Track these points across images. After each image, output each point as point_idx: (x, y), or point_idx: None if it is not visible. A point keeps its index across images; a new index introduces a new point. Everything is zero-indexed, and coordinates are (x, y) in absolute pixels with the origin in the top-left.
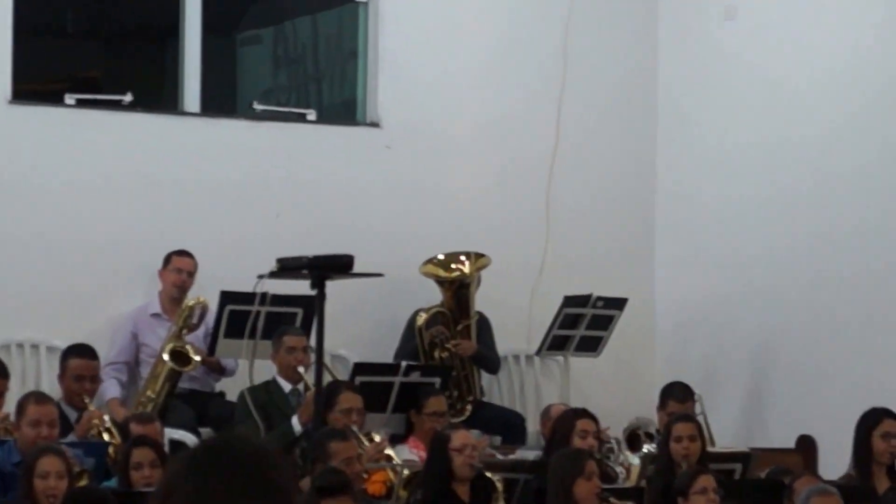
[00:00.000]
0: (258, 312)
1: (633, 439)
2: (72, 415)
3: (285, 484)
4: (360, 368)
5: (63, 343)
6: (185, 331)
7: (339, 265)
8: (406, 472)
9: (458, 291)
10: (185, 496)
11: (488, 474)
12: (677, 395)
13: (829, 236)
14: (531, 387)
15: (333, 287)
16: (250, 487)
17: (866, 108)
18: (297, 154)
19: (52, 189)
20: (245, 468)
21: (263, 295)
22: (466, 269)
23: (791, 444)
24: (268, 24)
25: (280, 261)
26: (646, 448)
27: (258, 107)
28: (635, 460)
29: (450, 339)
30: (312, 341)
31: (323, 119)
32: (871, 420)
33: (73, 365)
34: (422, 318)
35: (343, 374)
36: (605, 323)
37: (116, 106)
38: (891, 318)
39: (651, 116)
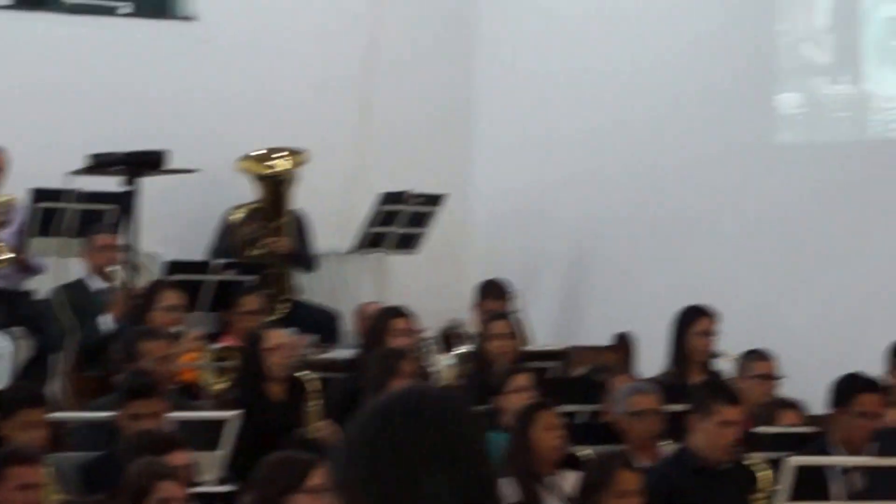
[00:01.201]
0: (69, 210)
1: (447, 340)
2: None
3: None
4: (174, 267)
5: None
6: None
7: (153, 161)
8: (222, 365)
9: (275, 188)
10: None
11: (303, 373)
12: (494, 293)
13: (651, 126)
14: (348, 285)
15: (148, 184)
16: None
17: None
18: (110, 48)
19: None
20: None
21: (75, 192)
22: (284, 165)
23: (609, 341)
24: None
25: (92, 157)
26: (460, 349)
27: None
28: (448, 361)
29: (266, 237)
30: (127, 239)
31: (138, 12)
32: (688, 317)
33: None
34: (237, 215)
35: (157, 273)
36: (422, 220)
37: None
38: (709, 215)
39: (470, 5)
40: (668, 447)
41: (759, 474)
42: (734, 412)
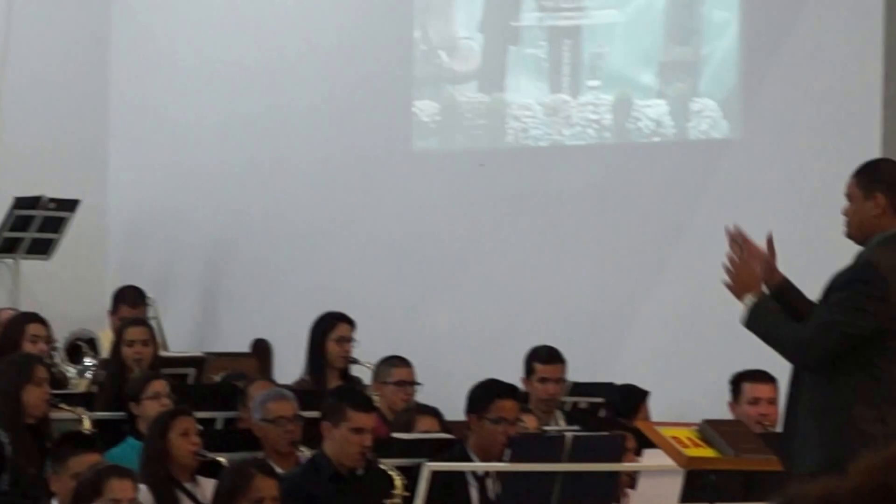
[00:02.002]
0: None
1: (74, 349)
2: None
3: None
4: None
5: None
6: None
7: None
8: None
9: None
10: None
11: None
12: (129, 300)
13: (287, 129)
14: None
15: None
16: None
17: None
18: None
19: None
20: None
21: None
22: None
23: (246, 348)
24: None
25: None
26: (87, 360)
27: None
28: (73, 371)
29: None
30: None
31: None
32: (326, 324)
33: None
34: None
35: None
36: (56, 225)
37: None
38: (346, 221)
39: (104, 18)
40: (305, 454)
41: (395, 480)
42: (366, 418)
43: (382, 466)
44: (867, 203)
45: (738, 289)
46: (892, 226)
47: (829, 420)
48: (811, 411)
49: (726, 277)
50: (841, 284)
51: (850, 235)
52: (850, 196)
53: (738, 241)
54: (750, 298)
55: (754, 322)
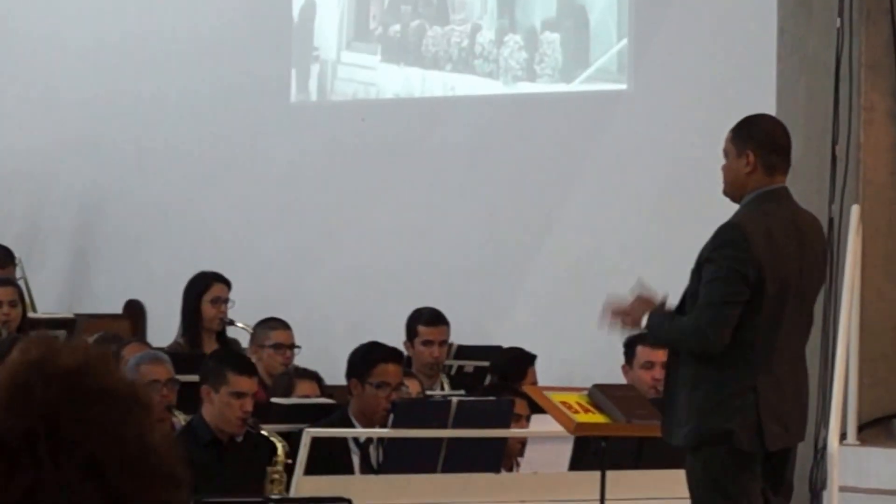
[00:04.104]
0: None
1: None
2: None
3: None
4: None
5: None
6: None
7: None
8: None
9: None
10: None
11: None
12: None
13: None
14: None
15: None
16: None
17: None
18: None
19: None
20: None
21: None
22: None
23: (119, 309)
24: None
25: None
26: None
27: None
28: None
29: None
30: None
31: None
32: (200, 285)
33: None
34: None
35: None
36: None
37: None
38: (221, 175)
39: None
40: (180, 419)
41: (278, 447)
42: (248, 382)
43: (264, 432)
44: (739, 160)
45: (632, 326)
46: (762, 184)
47: (701, 390)
48: (684, 382)
49: (617, 305)
50: (711, 254)
51: (725, 193)
52: (725, 153)
53: (616, 310)
54: (643, 322)
55: (654, 336)
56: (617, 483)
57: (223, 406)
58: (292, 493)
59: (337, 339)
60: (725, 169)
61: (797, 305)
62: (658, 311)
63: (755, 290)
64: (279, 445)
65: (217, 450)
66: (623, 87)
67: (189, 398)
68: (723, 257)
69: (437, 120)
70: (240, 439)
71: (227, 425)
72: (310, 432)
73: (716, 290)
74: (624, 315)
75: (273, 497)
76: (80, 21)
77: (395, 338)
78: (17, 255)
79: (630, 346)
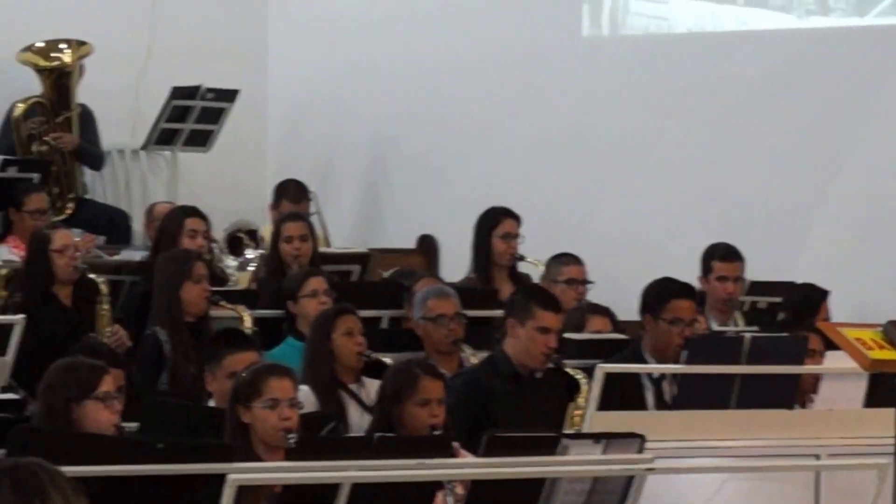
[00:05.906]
0: None
1: (235, 242)
2: None
3: None
4: None
5: None
6: None
7: None
8: (4, 271)
9: (59, 81)
10: None
11: (91, 276)
12: (291, 194)
13: (456, 20)
14: (137, 183)
15: None
16: None
17: None
18: None
19: None
20: None
21: None
22: (67, 57)
23: (411, 244)
24: None
25: None
26: (248, 252)
27: None
28: (234, 263)
29: (49, 132)
30: None
31: None
32: (490, 220)
33: None
34: (19, 109)
35: None
36: (215, 116)
37: None
38: (514, 114)
39: None
40: (470, 354)
41: (581, 384)
42: (554, 318)
43: (567, 370)
44: None
45: None
46: None
47: None
48: None
49: None
50: None
51: None
52: None
53: None
54: None
55: None
56: None
57: (528, 340)
58: (585, 428)
59: (628, 275)
60: None
61: None
62: None
63: None
64: (582, 383)
65: (518, 384)
66: None
67: (478, 334)
68: None
69: (729, 55)
70: (539, 375)
71: (530, 360)
72: (603, 368)
73: None
74: None
75: (566, 433)
76: None
77: (689, 273)
78: (311, 190)
79: None
